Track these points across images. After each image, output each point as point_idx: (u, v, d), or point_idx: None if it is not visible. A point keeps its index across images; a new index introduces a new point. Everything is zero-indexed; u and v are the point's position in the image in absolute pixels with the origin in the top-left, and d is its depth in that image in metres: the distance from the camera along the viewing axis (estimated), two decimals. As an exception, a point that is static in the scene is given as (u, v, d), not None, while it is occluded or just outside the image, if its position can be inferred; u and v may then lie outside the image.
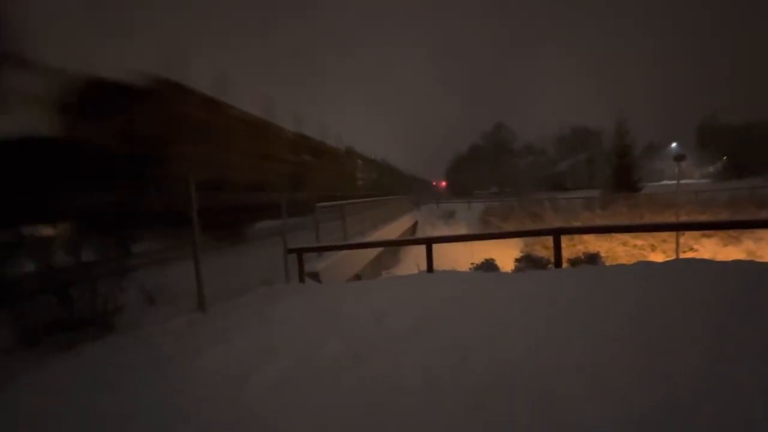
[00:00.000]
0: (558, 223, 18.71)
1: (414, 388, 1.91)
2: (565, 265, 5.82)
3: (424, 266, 5.94)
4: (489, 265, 6.66)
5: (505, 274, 4.91)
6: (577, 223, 18.27)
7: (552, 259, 5.62)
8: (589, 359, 2.01)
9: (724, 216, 17.01)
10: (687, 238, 15.99)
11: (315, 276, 6.80)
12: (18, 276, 3.34)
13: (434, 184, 62.52)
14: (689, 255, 15.19)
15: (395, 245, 15.77)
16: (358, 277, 9.20)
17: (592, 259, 6.33)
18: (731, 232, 15.84)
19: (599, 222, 18.25)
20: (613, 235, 16.38)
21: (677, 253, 14.53)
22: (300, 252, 6.19)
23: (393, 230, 16.33)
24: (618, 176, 27.72)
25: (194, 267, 4.26)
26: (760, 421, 1.47)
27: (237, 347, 2.71)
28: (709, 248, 15.75)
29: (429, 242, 5.93)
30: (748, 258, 9.77)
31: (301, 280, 6.03)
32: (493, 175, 57.04)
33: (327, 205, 8.73)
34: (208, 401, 2.08)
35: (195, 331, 3.32)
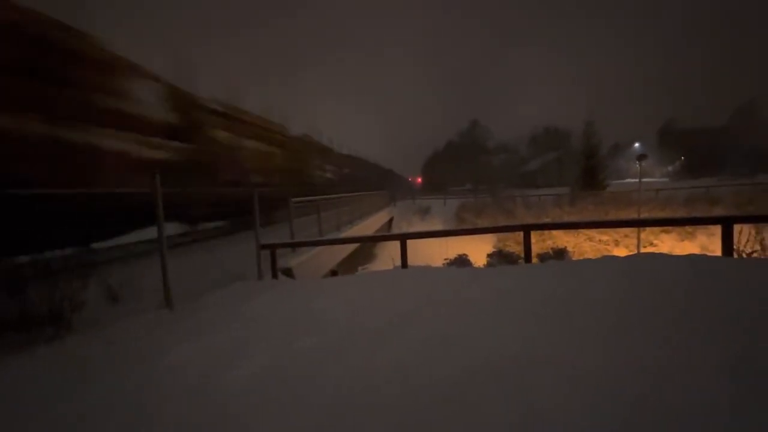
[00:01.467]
0: (529, 220, 19.27)
1: (390, 388, 1.89)
2: (534, 260, 6.00)
3: (399, 262, 5.97)
4: (462, 261, 6.77)
5: (478, 269, 5.00)
6: (547, 219, 18.88)
7: (522, 254, 5.79)
8: (564, 352, 2.06)
9: (681, 213, 18.08)
10: (647, 233, 16.87)
11: (289, 272, 6.70)
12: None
13: (410, 180, 62.94)
14: (649, 249, 16.05)
15: (370, 241, 15.75)
16: (333, 273, 9.14)
17: (560, 254, 6.57)
18: (687, 228, 16.84)
19: (567, 218, 18.93)
20: (580, 230, 17.04)
21: (638, 248, 15.31)
22: (273, 248, 6.08)
23: (369, 226, 16.32)
24: (586, 175, 28.87)
25: (161, 262, 4.09)
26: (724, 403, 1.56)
27: (203, 347, 2.62)
28: (668, 243, 16.69)
29: (403, 238, 5.97)
30: (702, 252, 10.44)
31: (274, 276, 5.93)
32: (468, 172, 58.03)
33: (302, 200, 8.61)
34: (172, 404, 1.99)
35: (159, 330, 3.19)
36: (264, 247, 6.03)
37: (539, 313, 2.60)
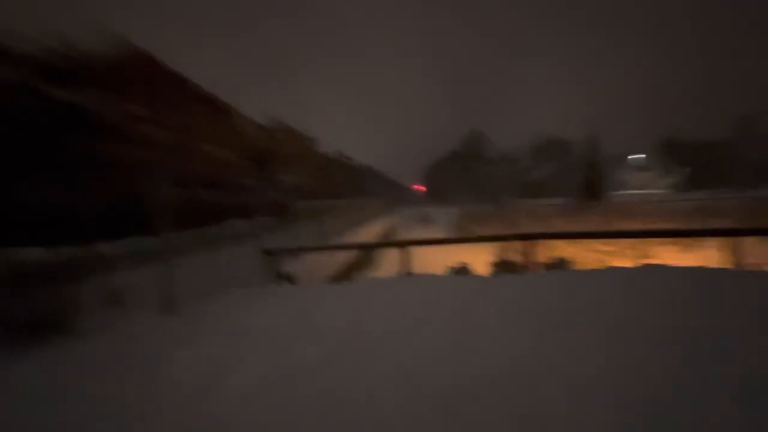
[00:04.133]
0: (531, 229, 19.17)
1: (387, 398, 1.86)
2: (536, 269, 5.94)
3: (400, 269, 5.93)
4: (463, 269, 6.72)
5: (479, 278, 4.95)
6: (549, 229, 18.80)
7: (524, 264, 5.74)
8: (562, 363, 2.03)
9: (683, 225, 17.99)
10: (651, 244, 16.75)
11: (290, 278, 6.67)
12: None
13: (413, 187, 63.00)
14: (653, 261, 15.89)
15: (371, 248, 15.69)
16: (334, 279, 9.10)
17: (561, 264, 6.53)
18: (691, 240, 16.72)
19: (570, 228, 18.85)
20: (583, 240, 16.95)
21: (642, 259, 15.19)
22: (275, 253, 6.06)
23: (371, 232, 16.27)
24: (588, 185, 28.88)
25: (164, 267, 4.06)
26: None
27: (204, 353, 2.58)
28: (671, 254, 16.55)
29: (404, 245, 5.94)
30: (705, 264, 10.32)
31: (276, 281, 5.89)
32: (470, 181, 58.00)
33: (307, 206, 8.62)
34: (171, 410, 1.96)
35: (160, 334, 3.15)
36: (266, 252, 6.01)
37: (541, 325, 2.56)
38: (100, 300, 4.04)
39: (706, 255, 16.02)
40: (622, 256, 17.16)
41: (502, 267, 6.92)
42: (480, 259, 9.99)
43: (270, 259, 5.96)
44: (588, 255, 16.89)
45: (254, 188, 11.00)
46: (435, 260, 11.43)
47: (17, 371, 2.57)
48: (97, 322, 3.57)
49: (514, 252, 15.23)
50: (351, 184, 27.80)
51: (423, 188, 64.52)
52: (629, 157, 50.15)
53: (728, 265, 4.38)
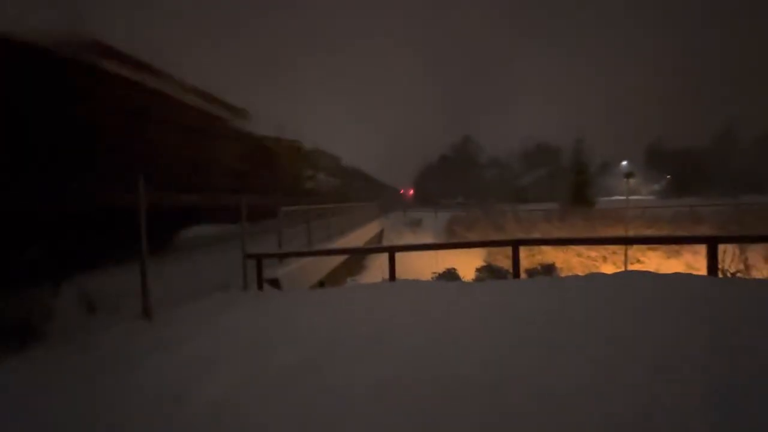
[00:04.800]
0: (519, 234, 19.39)
1: (365, 406, 1.84)
2: (523, 275, 5.99)
3: (388, 274, 5.91)
4: (450, 275, 6.73)
5: (465, 283, 4.98)
6: (536, 234, 19.03)
7: (511, 269, 5.78)
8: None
9: (667, 231, 18.41)
10: (635, 250, 17.08)
11: (275, 283, 6.58)
12: None
13: (402, 192, 63.17)
14: (636, 266, 16.19)
15: (359, 253, 15.64)
16: (321, 284, 9.01)
17: (549, 269, 6.61)
18: (674, 246, 17.09)
19: (557, 234, 19.11)
20: (569, 246, 17.19)
21: (626, 265, 15.47)
22: (260, 258, 5.97)
23: (359, 237, 16.22)
24: (575, 191, 29.43)
25: (140, 271, 3.97)
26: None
27: (179, 359, 2.52)
28: (654, 260, 16.88)
29: (392, 250, 5.92)
30: (687, 269, 10.59)
31: (260, 287, 5.81)
32: (459, 186, 58.49)
33: (292, 210, 8.54)
34: (143, 419, 1.91)
35: (136, 340, 3.07)
36: (250, 256, 5.92)
37: (520, 333, 2.57)
38: (73, 304, 3.92)
39: (688, 261, 16.41)
40: (607, 261, 17.47)
41: (488, 272, 6.96)
42: (468, 263, 10.06)
43: (254, 263, 5.87)
44: (574, 260, 17.13)
45: (240, 190, 10.85)
46: (423, 265, 11.46)
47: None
48: (72, 328, 3.47)
49: (502, 257, 15.37)
50: (340, 187, 27.75)
51: (412, 192, 64.78)
52: (622, 163, 51.20)
53: (706, 272, 4.47)
